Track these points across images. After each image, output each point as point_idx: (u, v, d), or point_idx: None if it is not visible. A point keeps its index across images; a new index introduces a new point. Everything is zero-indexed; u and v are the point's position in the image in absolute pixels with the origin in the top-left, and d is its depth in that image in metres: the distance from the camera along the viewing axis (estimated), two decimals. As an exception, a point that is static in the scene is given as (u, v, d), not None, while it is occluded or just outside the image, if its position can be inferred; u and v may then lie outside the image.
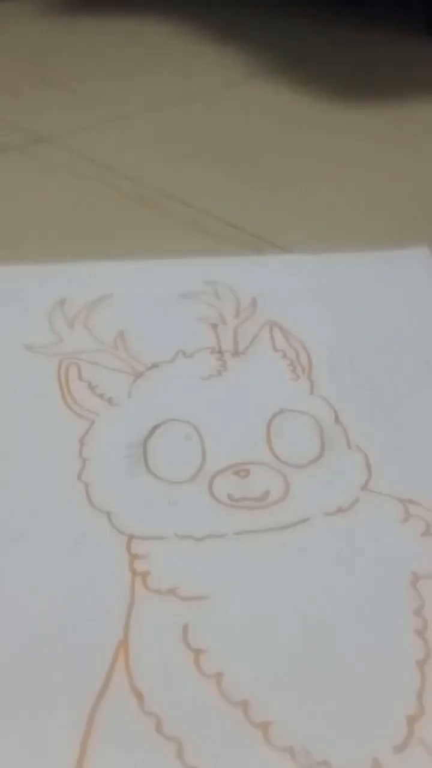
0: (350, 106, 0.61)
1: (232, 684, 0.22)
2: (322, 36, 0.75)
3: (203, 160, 0.52)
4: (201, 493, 0.28)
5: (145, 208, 0.46)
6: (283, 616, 0.23)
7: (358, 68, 0.68)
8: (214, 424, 0.31)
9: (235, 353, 0.35)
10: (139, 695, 0.21)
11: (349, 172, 0.51)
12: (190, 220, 0.45)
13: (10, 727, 0.21)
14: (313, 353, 0.35)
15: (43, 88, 0.64)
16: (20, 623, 0.23)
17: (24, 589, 0.24)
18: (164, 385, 0.33)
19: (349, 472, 0.29)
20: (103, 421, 0.31)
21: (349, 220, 0.45)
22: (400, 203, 0.46)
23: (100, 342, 0.36)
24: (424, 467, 0.29)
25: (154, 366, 0.34)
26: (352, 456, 0.30)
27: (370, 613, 0.24)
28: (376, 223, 0.45)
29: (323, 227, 0.45)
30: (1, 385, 0.33)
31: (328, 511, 0.27)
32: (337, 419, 0.31)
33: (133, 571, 0.25)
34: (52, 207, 0.47)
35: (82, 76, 0.67)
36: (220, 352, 0.35)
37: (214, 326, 0.37)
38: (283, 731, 0.21)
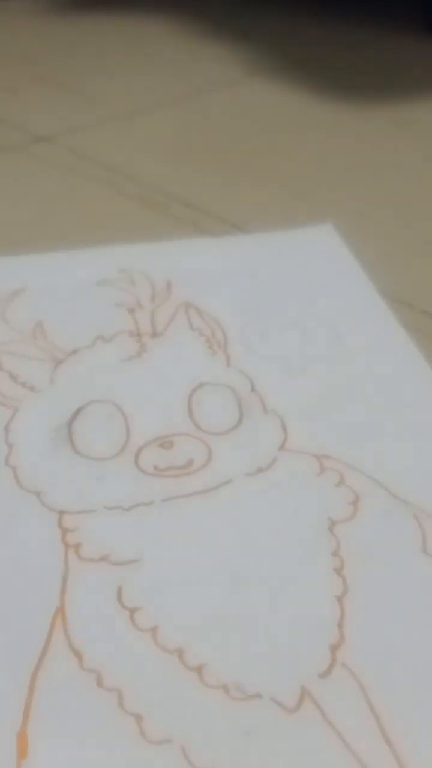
0: (350, 105, 0.61)
1: (166, 635, 0.23)
2: (322, 35, 0.75)
3: (203, 159, 0.52)
4: (127, 467, 0.29)
5: (145, 208, 0.46)
6: (211, 569, 0.25)
7: (358, 67, 0.68)
8: (136, 402, 0.32)
9: (153, 335, 0.36)
10: (78, 655, 0.22)
11: (349, 171, 0.52)
12: (190, 219, 0.45)
13: None
14: (228, 330, 0.36)
15: (43, 88, 0.64)
16: None
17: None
18: (85, 369, 0.34)
19: (266, 434, 0.30)
20: (26, 407, 0.32)
21: (350, 219, 0.45)
22: (401, 202, 0.47)
23: (19, 333, 0.36)
24: (335, 425, 0.31)
25: (74, 352, 0.35)
26: (268, 420, 0.31)
27: (292, 557, 0.25)
28: (377, 221, 0.46)
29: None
30: None
31: (249, 471, 0.29)
32: (253, 388, 0.33)
33: (66, 544, 0.26)
34: (52, 206, 0.47)
35: (82, 76, 0.66)
36: (139, 334, 0.36)
37: (131, 311, 0.38)
38: (216, 672, 0.22)
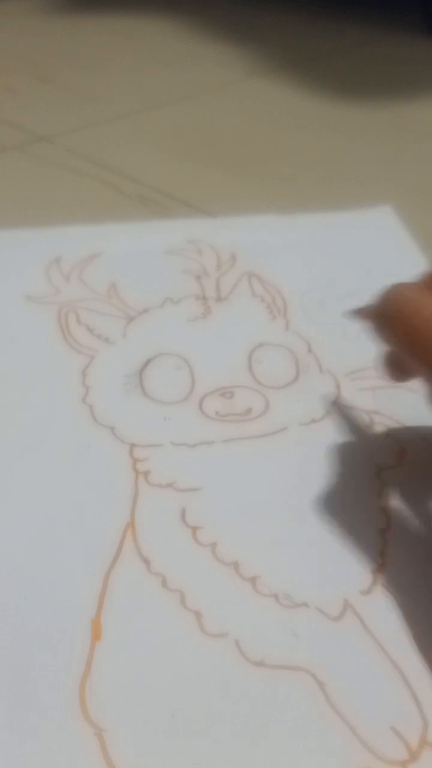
0: (350, 105, 0.62)
1: (224, 550, 0.25)
2: (322, 35, 0.75)
3: (203, 159, 0.53)
4: (192, 411, 0.32)
5: (144, 208, 0.47)
6: (265, 498, 0.27)
7: (358, 67, 0.69)
8: (201, 356, 0.34)
9: (218, 299, 0.39)
10: (146, 561, 0.25)
11: (349, 171, 0.52)
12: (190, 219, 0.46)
13: (39, 587, 0.24)
14: (287, 297, 0.39)
15: (43, 88, 0.65)
16: (43, 509, 0.27)
17: (45, 485, 0.28)
18: (155, 326, 0.37)
19: (320, 390, 0.33)
20: (102, 356, 0.35)
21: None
22: (400, 202, 0.47)
23: (95, 292, 0.39)
24: (385, 386, 0.33)
25: (145, 311, 0.38)
26: (323, 378, 0.34)
27: (342, 494, 0.28)
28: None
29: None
30: (7, 330, 0.37)
31: (303, 422, 0.31)
32: (309, 350, 0.35)
33: (136, 471, 0.29)
34: (52, 206, 0.48)
35: (82, 76, 0.67)
36: (204, 298, 0.39)
37: (198, 277, 0.40)
38: (269, 582, 0.24)
